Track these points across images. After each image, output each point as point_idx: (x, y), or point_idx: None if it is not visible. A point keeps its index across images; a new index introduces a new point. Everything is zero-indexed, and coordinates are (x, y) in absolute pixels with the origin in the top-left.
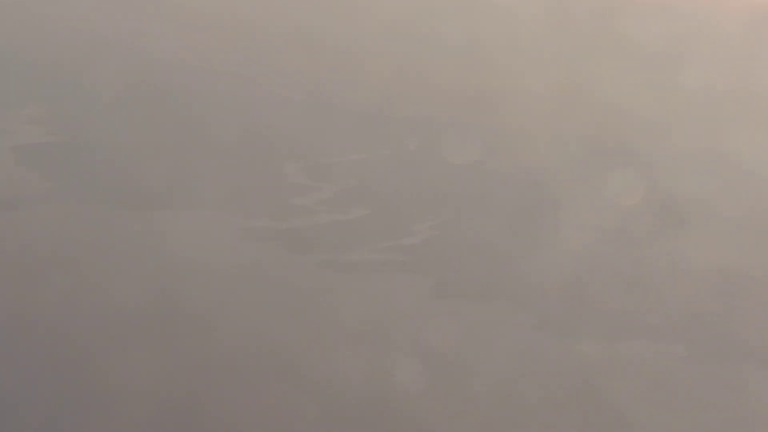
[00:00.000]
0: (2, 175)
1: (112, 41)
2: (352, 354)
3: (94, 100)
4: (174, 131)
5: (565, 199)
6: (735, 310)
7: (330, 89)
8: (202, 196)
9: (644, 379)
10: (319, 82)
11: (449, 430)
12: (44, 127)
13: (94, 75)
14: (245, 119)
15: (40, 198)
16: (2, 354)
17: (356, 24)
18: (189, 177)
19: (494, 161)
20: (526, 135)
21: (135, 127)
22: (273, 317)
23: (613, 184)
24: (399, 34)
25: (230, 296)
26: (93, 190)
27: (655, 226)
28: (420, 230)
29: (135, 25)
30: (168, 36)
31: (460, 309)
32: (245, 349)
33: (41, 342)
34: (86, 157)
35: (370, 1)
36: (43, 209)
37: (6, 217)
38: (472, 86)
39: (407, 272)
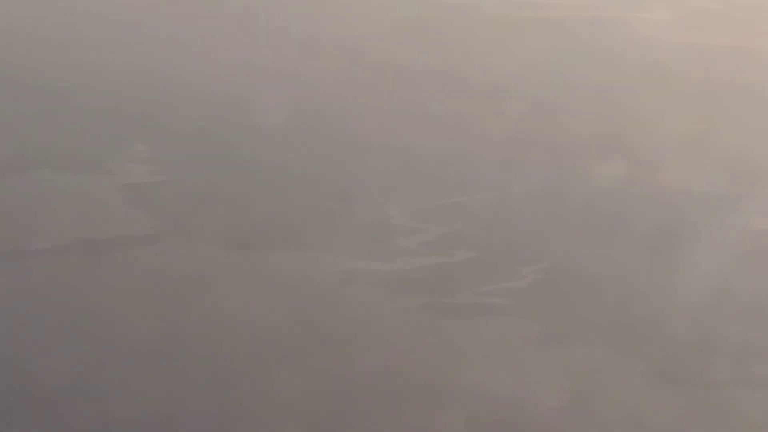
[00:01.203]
0: (110, 214)
1: (212, 81)
2: (459, 399)
3: (198, 141)
4: (278, 173)
5: (687, 240)
6: None
7: (441, 131)
8: (307, 237)
9: None
10: (430, 124)
11: None
12: (149, 167)
13: (196, 115)
14: (347, 161)
15: (148, 237)
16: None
17: (486, 65)
18: (294, 218)
19: (609, 205)
20: (647, 182)
21: (239, 167)
22: (380, 358)
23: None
24: (531, 76)
25: (332, 332)
26: (199, 229)
27: None
28: (526, 273)
29: (230, 65)
30: (273, 74)
31: (568, 355)
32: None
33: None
34: (192, 196)
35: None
36: (152, 248)
37: (115, 256)
38: (600, 129)
39: (513, 316)
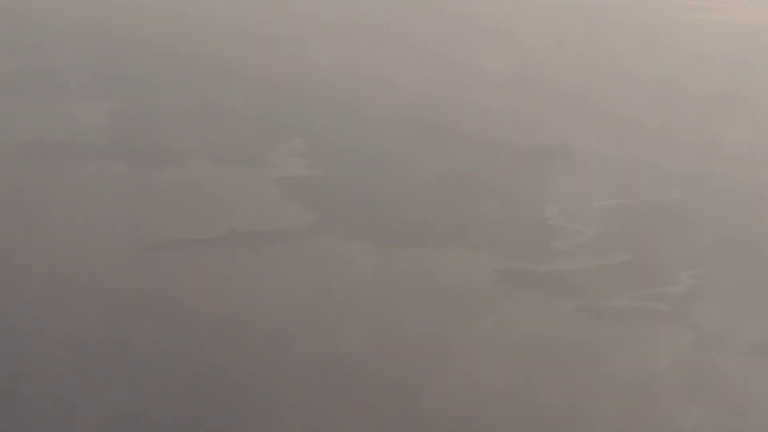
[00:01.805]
0: (267, 206)
1: (369, 77)
2: (613, 404)
3: (355, 135)
4: (437, 170)
5: None
6: None
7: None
8: (465, 234)
9: None
10: (582, 131)
11: None
12: (308, 161)
13: (354, 110)
14: (508, 164)
15: (304, 231)
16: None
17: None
18: (450, 216)
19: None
20: None
21: (395, 163)
22: (529, 360)
23: None
24: (650, 84)
25: (486, 332)
26: (355, 224)
27: None
28: (683, 279)
29: (388, 61)
30: (421, 75)
31: (727, 365)
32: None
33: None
34: (348, 191)
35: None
36: (307, 242)
37: (270, 248)
38: (735, 137)
39: (669, 322)
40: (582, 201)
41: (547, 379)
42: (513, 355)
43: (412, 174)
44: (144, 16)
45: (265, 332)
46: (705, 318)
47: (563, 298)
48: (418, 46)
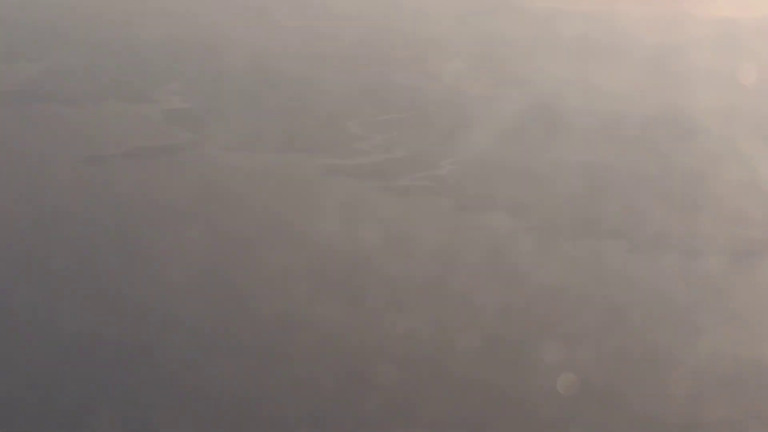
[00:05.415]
0: (156, 129)
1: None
2: (412, 245)
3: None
4: (248, 88)
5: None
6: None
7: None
8: (293, 142)
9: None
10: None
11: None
12: (182, 97)
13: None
14: (304, 89)
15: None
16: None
17: None
18: (291, 130)
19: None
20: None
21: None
22: (351, 216)
23: None
24: None
25: (320, 203)
26: (222, 140)
27: None
28: (444, 165)
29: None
30: None
31: (473, 218)
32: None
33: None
34: (215, 116)
35: None
36: (187, 154)
37: (161, 159)
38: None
39: (436, 193)
40: (370, 117)
41: (362, 230)
42: (339, 214)
43: (257, 103)
44: None
45: (183, 211)
46: (459, 190)
47: (366, 181)
48: None
